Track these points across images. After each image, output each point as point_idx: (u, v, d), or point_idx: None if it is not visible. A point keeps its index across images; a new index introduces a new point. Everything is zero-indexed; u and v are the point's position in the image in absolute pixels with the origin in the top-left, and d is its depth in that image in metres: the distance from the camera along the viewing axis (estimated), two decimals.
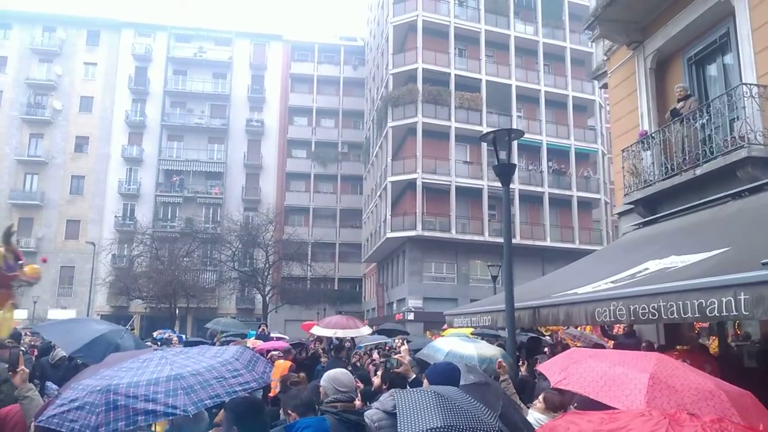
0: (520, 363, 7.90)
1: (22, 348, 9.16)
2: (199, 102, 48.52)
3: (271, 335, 15.99)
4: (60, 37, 46.82)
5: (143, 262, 37.98)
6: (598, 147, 37.71)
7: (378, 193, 37.80)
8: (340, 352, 11.42)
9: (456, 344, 7.24)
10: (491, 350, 7.20)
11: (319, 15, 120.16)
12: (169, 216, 45.41)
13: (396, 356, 5.41)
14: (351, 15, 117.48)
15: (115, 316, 39.25)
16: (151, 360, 3.20)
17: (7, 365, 4.69)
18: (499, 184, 7.81)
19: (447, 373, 3.87)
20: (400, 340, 10.89)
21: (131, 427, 2.70)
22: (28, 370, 4.24)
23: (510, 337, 7.39)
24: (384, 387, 5.30)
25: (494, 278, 22.60)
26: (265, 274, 36.80)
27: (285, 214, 45.59)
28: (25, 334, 10.57)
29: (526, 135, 9.75)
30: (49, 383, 6.78)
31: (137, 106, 47.24)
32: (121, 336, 6.58)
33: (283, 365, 8.52)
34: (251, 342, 13.02)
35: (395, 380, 5.14)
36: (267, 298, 36.21)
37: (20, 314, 36.34)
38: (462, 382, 4.80)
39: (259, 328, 16.33)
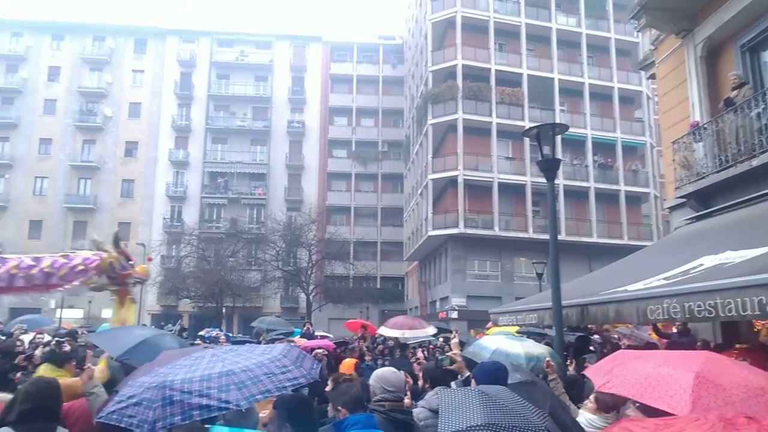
0: (568, 362, 7.75)
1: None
2: (241, 105, 49.45)
3: (316, 333, 16.15)
4: (109, 46, 48.50)
5: (191, 262, 38.97)
6: (646, 139, 36.63)
7: (419, 191, 37.73)
8: (404, 350, 11.41)
9: (502, 342, 7.13)
10: (539, 349, 7.07)
11: (358, 15, 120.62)
12: (215, 217, 46.49)
13: (449, 353, 5.38)
14: (389, 13, 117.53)
15: (164, 315, 40.45)
16: (203, 357, 3.27)
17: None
18: (543, 180, 7.69)
19: (494, 372, 3.83)
20: (453, 335, 10.83)
21: (186, 422, 2.77)
22: (95, 367, 4.41)
23: (558, 336, 7.26)
24: (426, 386, 5.26)
25: (539, 276, 22.23)
26: (309, 273, 37.25)
27: (327, 214, 46.03)
28: (81, 333, 11.00)
29: (570, 129, 9.54)
30: None
31: (182, 110, 48.50)
32: (163, 338, 6.94)
33: (349, 363, 8.55)
34: (296, 340, 13.18)
35: (438, 378, 5.09)
36: (311, 297, 36.63)
37: (76, 313, 37.86)
38: (508, 381, 4.73)
39: (304, 326, 16.52)
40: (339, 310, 37.95)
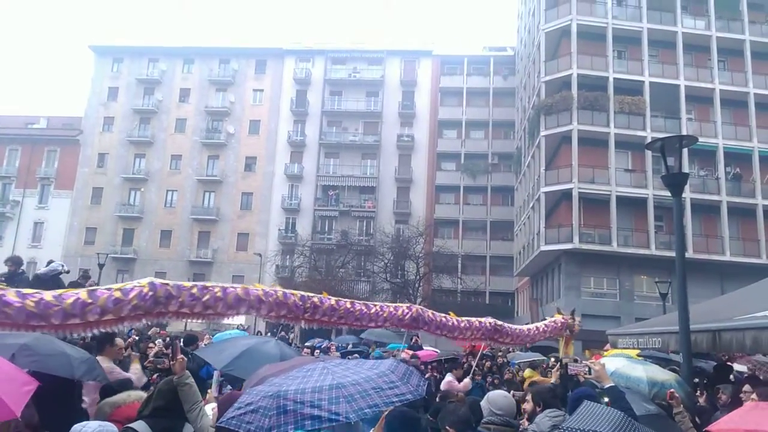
0: (698, 393, 7.09)
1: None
2: (353, 120, 50.93)
3: (423, 347, 16.11)
4: (233, 67, 52.05)
5: (303, 272, 40.51)
6: None
7: (531, 205, 36.69)
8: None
9: (623, 365, 6.69)
10: (663, 374, 6.55)
11: (468, 27, 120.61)
12: (326, 229, 48.08)
13: (588, 362, 5.09)
14: (500, 25, 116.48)
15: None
16: (314, 370, 3.40)
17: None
18: (667, 193, 7.17)
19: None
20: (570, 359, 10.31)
21: (299, 431, 2.86)
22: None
23: (686, 363, 6.71)
24: (538, 410, 5.02)
25: (663, 296, 20.79)
26: (416, 285, 37.35)
27: (435, 227, 45.99)
28: (206, 338, 11.74)
29: (699, 139, 8.81)
30: None
31: (298, 126, 50.83)
32: (265, 346, 7.11)
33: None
34: (404, 353, 13.23)
35: (548, 401, 4.81)
36: None
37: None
38: (638, 413, 4.37)
39: (412, 339, 16.55)
40: None
